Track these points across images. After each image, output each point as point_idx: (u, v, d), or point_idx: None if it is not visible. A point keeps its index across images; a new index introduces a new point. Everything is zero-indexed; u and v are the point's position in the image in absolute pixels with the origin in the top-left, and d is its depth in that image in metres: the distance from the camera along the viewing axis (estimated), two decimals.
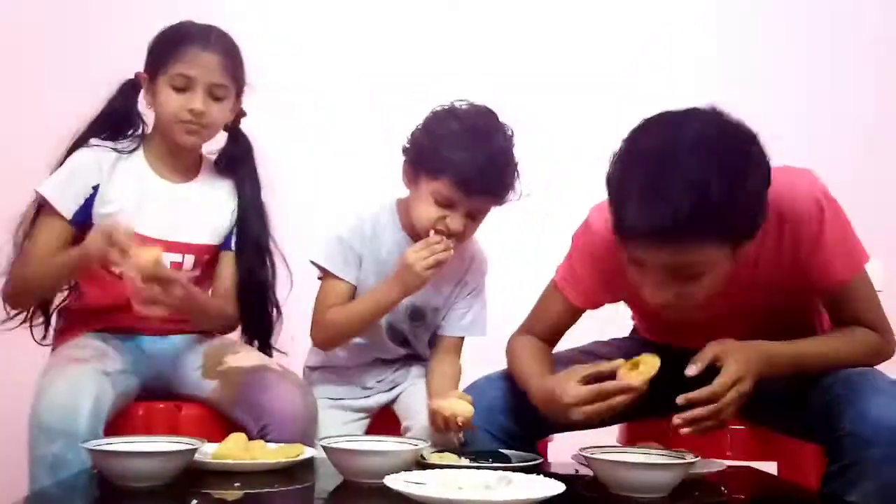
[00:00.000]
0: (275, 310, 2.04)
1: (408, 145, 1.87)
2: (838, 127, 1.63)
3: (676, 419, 1.45)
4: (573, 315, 1.79)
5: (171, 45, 1.89)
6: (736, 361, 1.47)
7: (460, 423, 1.65)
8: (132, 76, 1.96)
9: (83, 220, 1.88)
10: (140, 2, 2.80)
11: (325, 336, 1.92)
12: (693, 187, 1.35)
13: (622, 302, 1.85)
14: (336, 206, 2.66)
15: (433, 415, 1.69)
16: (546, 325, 1.80)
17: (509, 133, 1.84)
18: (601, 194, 1.79)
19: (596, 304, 1.79)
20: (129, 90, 1.97)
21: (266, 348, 2.02)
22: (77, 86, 2.61)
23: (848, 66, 2.79)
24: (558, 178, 2.68)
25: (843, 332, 1.65)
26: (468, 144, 1.77)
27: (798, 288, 1.62)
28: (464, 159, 1.76)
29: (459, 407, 1.66)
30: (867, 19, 2.85)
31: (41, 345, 1.98)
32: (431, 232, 1.81)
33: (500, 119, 1.85)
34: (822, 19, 2.83)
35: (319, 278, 1.94)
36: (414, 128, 1.87)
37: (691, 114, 1.45)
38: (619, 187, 1.45)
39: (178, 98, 1.86)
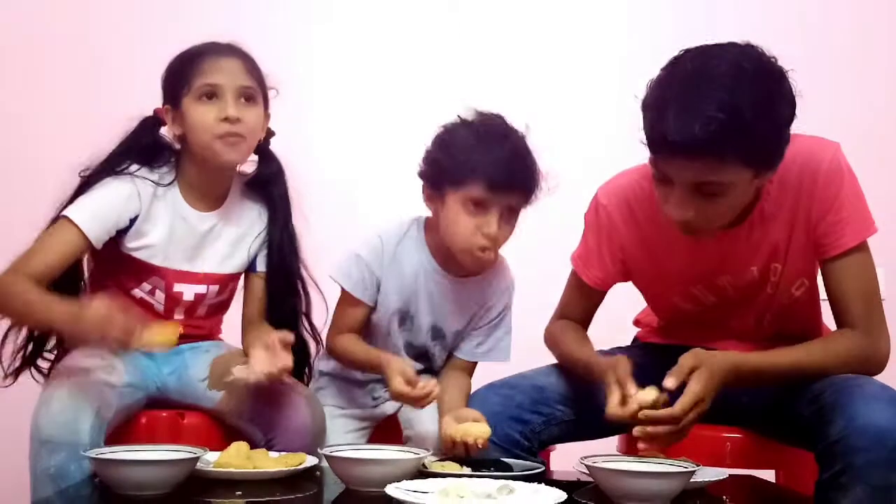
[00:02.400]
0: (310, 337, 1.98)
1: (423, 166, 1.83)
2: (837, 131, 1.64)
3: (637, 432, 1.51)
4: (598, 296, 1.86)
5: (186, 64, 1.81)
6: (699, 381, 1.51)
7: (480, 446, 1.63)
8: (150, 112, 1.88)
9: (108, 244, 1.81)
10: (141, 6, 2.82)
11: (332, 353, 1.93)
12: (725, 107, 1.44)
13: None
14: (335, 209, 2.70)
15: (448, 441, 1.65)
16: (575, 310, 1.87)
17: (521, 131, 1.81)
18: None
19: (607, 282, 1.84)
20: (150, 125, 1.89)
21: (301, 377, 1.96)
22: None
23: (849, 71, 2.80)
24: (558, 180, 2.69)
25: (824, 342, 1.67)
26: (488, 145, 1.75)
27: (805, 254, 1.66)
28: (488, 158, 1.73)
29: (475, 429, 1.63)
30: (868, 21, 2.86)
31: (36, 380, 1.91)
32: (425, 383, 1.71)
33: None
34: (821, 19, 2.84)
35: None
36: (424, 150, 1.83)
37: (728, 45, 1.54)
38: (655, 105, 1.52)
39: (210, 109, 1.78)
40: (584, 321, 1.89)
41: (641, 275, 1.84)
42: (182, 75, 1.81)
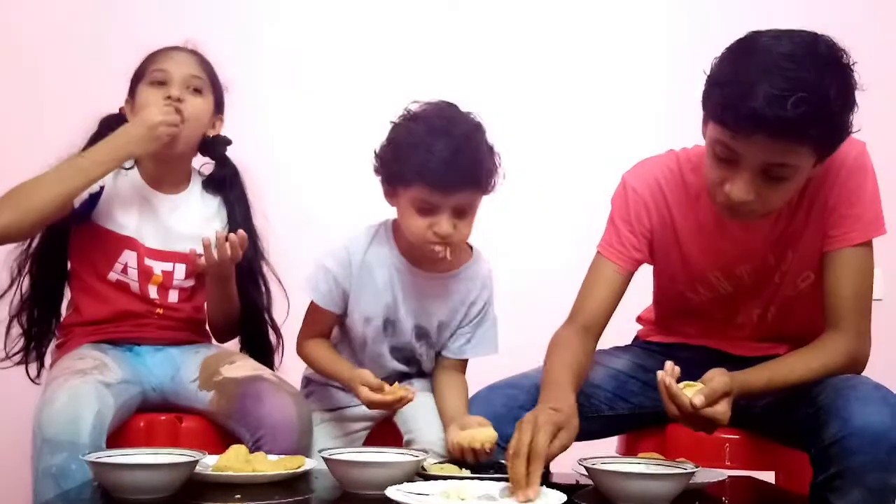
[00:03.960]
0: (273, 333, 2.06)
1: (376, 165, 1.82)
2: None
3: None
4: (619, 285, 1.78)
5: (146, 59, 1.97)
6: (728, 407, 1.51)
7: (488, 451, 1.63)
8: (115, 111, 2.00)
9: (81, 214, 1.90)
10: (137, 7, 2.81)
11: (300, 355, 1.94)
12: (815, 90, 1.44)
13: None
14: (332, 215, 2.69)
15: (456, 449, 1.65)
16: (593, 305, 1.78)
17: (474, 119, 1.77)
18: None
19: (636, 260, 1.80)
20: (114, 122, 1.95)
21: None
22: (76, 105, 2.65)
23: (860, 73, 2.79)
24: (557, 180, 2.68)
25: (810, 353, 1.65)
26: (430, 142, 1.70)
27: (815, 244, 1.67)
28: (428, 158, 1.70)
29: (481, 435, 1.62)
30: (871, 24, 2.86)
31: (35, 383, 1.98)
32: (394, 388, 1.73)
33: (463, 109, 1.79)
34: (820, 24, 2.83)
35: None
36: (377, 147, 1.82)
37: (801, 31, 1.53)
38: (738, 81, 1.48)
39: (157, 91, 1.90)
40: (601, 318, 1.78)
41: (664, 256, 1.81)
42: (141, 68, 1.96)
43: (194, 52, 1.99)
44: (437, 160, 1.69)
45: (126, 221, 1.92)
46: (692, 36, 2.76)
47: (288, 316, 2.03)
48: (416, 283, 1.86)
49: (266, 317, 2.06)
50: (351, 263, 1.85)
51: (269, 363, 2.04)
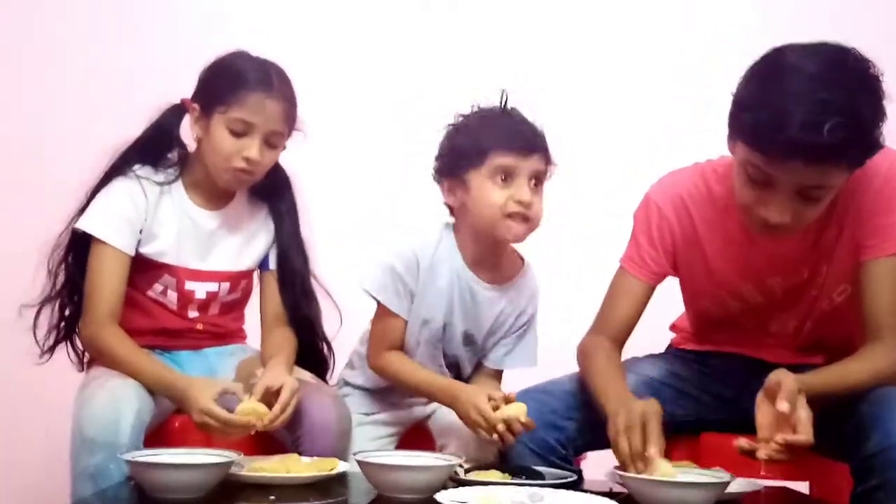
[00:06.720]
0: (325, 345, 2.01)
1: (439, 162, 1.84)
2: None
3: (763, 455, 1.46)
4: (642, 299, 1.80)
5: (232, 85, 1.82)
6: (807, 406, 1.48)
7: (523, 422, 1.64)
8: (177, 101, 1.91)
9: None
10: (141, 5, 2.82)
11: (378, 372, 1.90)
12: (848, 112, 1.43)
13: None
14: (342, 214, 2.69)
15: (490, 425, 1.66)
16: (617, 318, 1.80)
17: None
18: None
19: (660, 275, 1.81)
20: (175, 115, 1.92)
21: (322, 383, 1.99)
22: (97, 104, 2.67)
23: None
24: (562, 181, 2.66)
25: (857, 363, 1.62)
26: (496, 118, 1.82)
27: (850, 256, 1.66)
28: (503, 127, 1.79)
29: (513, 409, 1.63)
30: (880, 25, 2.83)
31: (81, 370, 1.95)
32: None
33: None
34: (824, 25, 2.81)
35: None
36: (437, 151, 1.85)
37: (826, 44, 1.52)
38: (769, 105, 1.47)
39: (235, 142, 1.80)
40: (625, 330, 1.81)
41: (689, 271, 1.81)
42: (223, 93, 1.82)
43: (287, 98, 1.85)
44: (510, 126, 1.80)
45: (165, 248, 1.87)
46: (695, 35, 2.75)
47: (340, 328, 2.00)
48: (472, 291, 1.86)
49: (319, 332, 2.00)
50: (419, 268, 1.84)
51: (323, 377, 2.00)
